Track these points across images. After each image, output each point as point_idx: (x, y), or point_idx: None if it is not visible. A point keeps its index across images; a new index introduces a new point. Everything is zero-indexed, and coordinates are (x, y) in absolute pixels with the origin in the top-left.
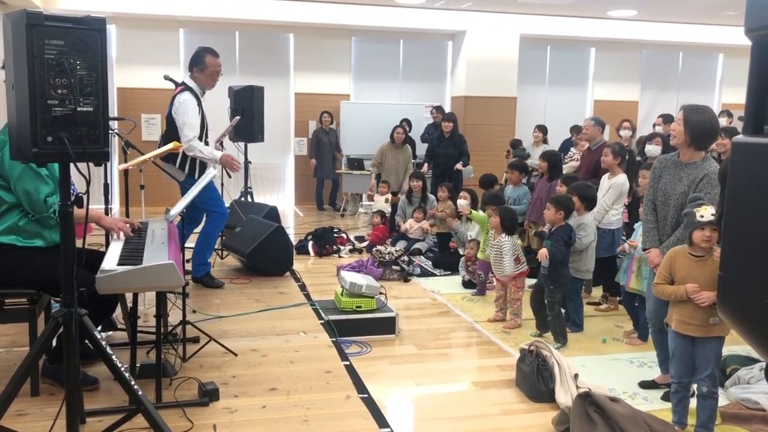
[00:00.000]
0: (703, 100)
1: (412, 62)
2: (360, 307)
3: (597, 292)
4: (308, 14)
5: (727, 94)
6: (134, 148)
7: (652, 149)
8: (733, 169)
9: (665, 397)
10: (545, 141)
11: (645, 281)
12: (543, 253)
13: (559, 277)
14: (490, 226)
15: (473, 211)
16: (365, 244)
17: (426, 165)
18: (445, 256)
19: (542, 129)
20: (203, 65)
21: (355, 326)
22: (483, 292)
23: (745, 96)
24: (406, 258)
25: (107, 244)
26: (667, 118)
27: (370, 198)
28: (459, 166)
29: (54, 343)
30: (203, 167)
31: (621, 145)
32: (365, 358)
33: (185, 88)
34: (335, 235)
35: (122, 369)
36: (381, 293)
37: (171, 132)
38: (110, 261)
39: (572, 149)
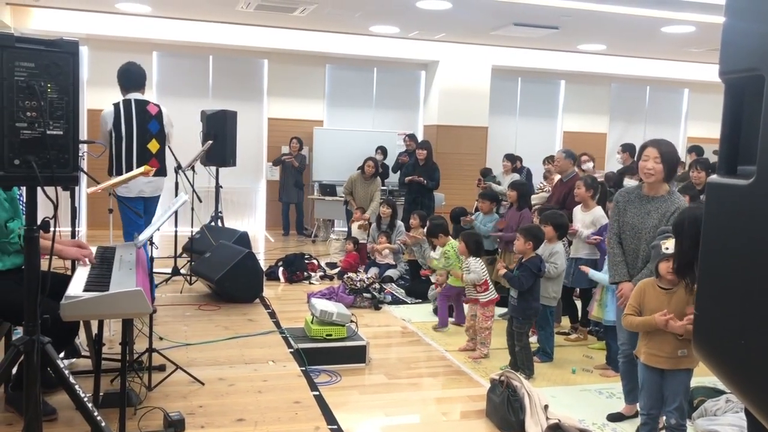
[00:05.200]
0: (669, 133)
1: (385, 90)
2: (330, 335)
3: (566, 321)
4: (283, 41)
5: (693, 127)
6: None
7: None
8: (708, 209)
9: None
10: (515, 170)
11: (605, 309)
12: (501, 269)
13: (527, 309)
14: (459, 252)
15: (435, 259)
16: (336, 270)
17: None
18: (417, 284)
19: (510, 158)
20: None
21: (325, 355)
22: (445, 323)
23: (708, 130)
24: (377, 285)
25: (73, 268)
26: (626, 147)
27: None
28: (418, 179)
29: (15, 369)
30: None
31: (593, 178)
32: (335, 388)
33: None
34: (306, 261)
35: (85, 398)
36: (352, 321)
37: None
38: (76, 287)
39: (542, 181)
